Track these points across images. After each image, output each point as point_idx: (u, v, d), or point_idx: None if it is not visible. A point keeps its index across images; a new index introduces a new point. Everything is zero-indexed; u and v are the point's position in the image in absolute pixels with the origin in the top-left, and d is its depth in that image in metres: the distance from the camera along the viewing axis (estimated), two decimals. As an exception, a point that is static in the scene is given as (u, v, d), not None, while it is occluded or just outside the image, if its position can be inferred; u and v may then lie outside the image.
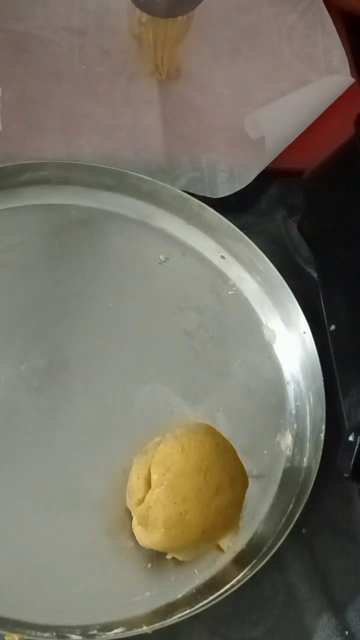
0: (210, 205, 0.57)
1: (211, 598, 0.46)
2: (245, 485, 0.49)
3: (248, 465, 0.49)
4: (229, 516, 0.47)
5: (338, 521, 0.52)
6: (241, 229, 0.57)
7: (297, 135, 0.62)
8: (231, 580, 0.47)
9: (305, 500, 0.49)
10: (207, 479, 0.46)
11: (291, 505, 0.50)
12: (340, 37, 0.68)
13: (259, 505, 0.50)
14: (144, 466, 0.47)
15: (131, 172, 0.56)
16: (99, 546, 0.47)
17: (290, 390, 0.55)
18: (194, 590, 0.47)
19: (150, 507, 0.45)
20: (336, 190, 0.57)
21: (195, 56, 0.65)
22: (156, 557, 0.47)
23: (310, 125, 0.63)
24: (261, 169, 0.60)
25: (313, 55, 0.67)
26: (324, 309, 0.54)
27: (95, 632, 0.44)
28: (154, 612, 0.46)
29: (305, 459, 0.52)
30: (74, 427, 0.50)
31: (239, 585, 0.46)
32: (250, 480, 0.49)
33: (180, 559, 0.47)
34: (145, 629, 0.44)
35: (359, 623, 0.49)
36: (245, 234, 0.56)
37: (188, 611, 0.45)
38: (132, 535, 0.47)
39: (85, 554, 0.47)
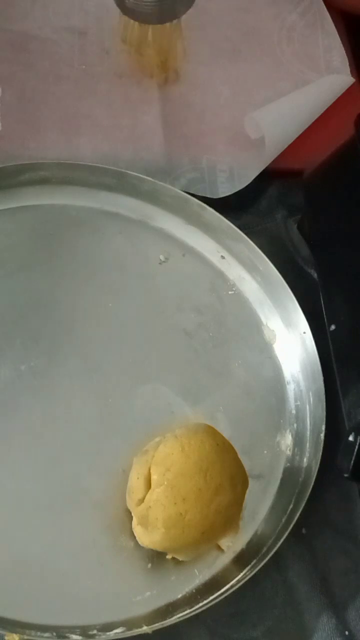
0: (210, 205, 0.57)
1: (211, 598, 0.46)
2: (245, 485, 0.49)
3: (248, 465, 0.49)
4: (229, 516, 0.47)
5: (338, 521, 0.52)
6: (241, 229, 0.57)
7: (297, 135, 0.62)
8: (231, 580, 0.47)
9: (305, 500, 0.49)
10: (207, 479, 0.46)
11: (291, 505, 0.50)
12: (340, 37, 0.68)
13: (259, 505, 0.50)
14: (144, 466, 0.47)
15: (131, 172, 0.56)
16: (99, 546, 0.47)
17: (290, 390, 0.55)
18: (194, 590, 0.47)
19: (150, 507, 0.45)
20: (336, 190, 0.57)
21: (195, 56, 0.65)
22: (156, 557, 0.47)
23: (310, 125, 0.63)
24: (261, 169, 0.60)
25: (313, 55, 0.67)
26: (324, 309, 0.54)
27: (95, 632, 0.44)
28: (154, 612, 0.46)
29: (305, 459, 0.52)
30: (74, 427, 0.50)
31: (239, 585, 0.46)
32: (250, 480, 0.49)
33: (180, 559, 0.47)
34: (145, 629, 0.44)
35: (359, 623, 0.49)
36: (245, 234, 0.56)
37: (188, 611, 0.45)
38: (132, 535, 0.47)
39: (85, 554, 0.47)
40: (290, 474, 0.52)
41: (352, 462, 0.46)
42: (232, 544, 0.48)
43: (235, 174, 0.61)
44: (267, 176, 0.61)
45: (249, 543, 0.49)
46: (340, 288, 0.54)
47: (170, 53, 0.62)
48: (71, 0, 0.65)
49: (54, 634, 0.43)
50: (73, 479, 0.48)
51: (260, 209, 0.62)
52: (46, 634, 0.43)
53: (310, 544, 0.51)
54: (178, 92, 0.64)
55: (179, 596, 0.47)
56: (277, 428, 0.53)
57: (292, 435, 0.53)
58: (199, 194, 0.58)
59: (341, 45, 0.67)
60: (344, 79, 0.65)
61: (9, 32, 0.63)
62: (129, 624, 0.45)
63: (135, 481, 0.47)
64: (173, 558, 0.47)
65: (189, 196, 0.57)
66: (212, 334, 0.55)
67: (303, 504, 0.49)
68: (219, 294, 0.57)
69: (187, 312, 0.55)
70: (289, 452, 0.53)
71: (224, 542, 0.48)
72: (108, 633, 0.44)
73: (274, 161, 0.61)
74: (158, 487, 0.46)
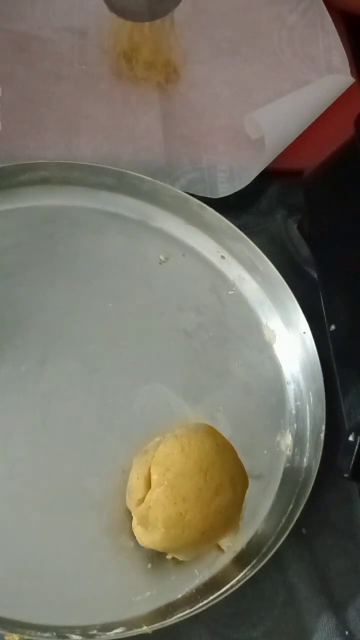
0: (210, 205, 0.57)
1: (211, 598, 0.46)
2: (245, 485, 0.49)
3: (248, 465, 0.49)
4: (229, 516, 0.47)
5: (338, 521, 0.52)
6: (241, 229, 0.57)
7: (297, 135, 0.62)
8: (231, 580, 0.47)
9: (305, 500, 0.49)
10: (207, 479, 0.46)
11: (291, 505, 0.50)
12: (340, 37, 0.68)
13: (259, 505, 0.50)
14: (144, 466, 0.47)
15: (131, 172, 0.56)
16: (99, 546, 0.47)
17: (290, 390, 0.55)
18: (194, 590, 0.47)
19: (150, 507, 0.45)
20: (336, 190, 0.57)
21: (195, 56, 0.65)
22: (156, 557, 0.47)
23: (310, 125, 0.63)
24: (261, 169, 0.60)
25: (313, 55, 0.67)
26: (324, 309, 0.54)
27: (95, 632, 0.44)
28: (154, 612, 0.46)
29: (305, 459, 0.52)
30: (74, 427, 0.50)
31: (239, 585, 0.46)
32: (250, 480, 0.49)
33: (180, 559, 0.47)
34: (145, 629, 0.44)
35: (359, 623, 0.49)
36: (245, 234, 0.56)
37: (188, 611, 0.45)
38: (132, 535, 0.47)
39: (85, 554, 0.47)
40: (290, 474, 0.52)
41: (352, 462, 0.46)
42: (232, 544, 0.48)
43: (235, 174, 0.61)
44: (267, 176, 0.61)
45: (249, 543, 0.49)
46: (340, 288, 0.54)
47: (168, 52, 0.62)
48: (71, 0, 0.65)
49: (54, 634, 0.43)
50: (73, 479, 0.48)
51: (260, 209, 0.62)
52: (46, 634, 0.43)
53: (310, 544, 0.51)
54: (178, 92, 0.64)
55: (179, 596, 0.47)
56: (277, 428, 0.53)
57: (292, 435, 0.53)
58: (199, 194, 0.58)
59: (341, 45, 0.67)
60: (344, 79, 0.65)
61: (9, 32, 0.63)
62: (129, 624, 0.45)
63: (135, 481, 0.47)
64: (173, 558, 0.47)
65: (189, 196, 0.57)
66: (212, 334, 0.55)
67: (303, 504, 0.49)
68: (219, 294, 0.57)
69: (187, 312, 0.55)
70: (289, 452, 0.53)
71: (224, 542, 0.48)
72: (108, 633, 0.44)
73: (274, 161, 0.61)
74: (158, 487, 0.46)
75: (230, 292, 0.57)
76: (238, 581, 0.46)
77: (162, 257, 0.57)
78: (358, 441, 0.46)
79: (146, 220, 0.58)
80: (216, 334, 0.55)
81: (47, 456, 0.49)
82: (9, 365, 0.51)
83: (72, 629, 0.44)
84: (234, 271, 0.58)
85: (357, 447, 0.46)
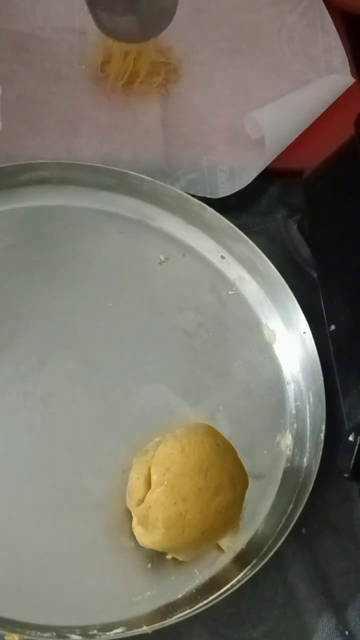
0: (210, 205, 0.57)
1: (211, 598, 0.46)
2: (245, 485, 0.49)
3: (248, 465, 0.49)
4: (229, 516, 0.47)
5: (338, 521, 0.52)
6: (241, 229, 0.57)
7: (297, 135, 0.63)
8: (231, 580, 0.47)
9: (305, 500, 0.49)
10: (207, 479, 0.46)
11: (291, 505, 0.50)
12: (340, 37, 0.68)
13: (259, 505, 0.50)
14: (144, 466, 0.47)
15: (131, 172, 0.56)
16: (99, 546, 0.47)
17: (290, 390, 0.55)
18: (194, 590, 0.47)
19: (150, 507, 0.45)
20: (336, 190, 0.57)
21: (195, 56, 0.65)
22: (156, 557, 0.47)
23: (310, 125, 0.63)
24: (261, 169, 0.60)
25: (313, 55, 0.67)
26: (324, 309, 0.54)
27: (95, 632, 0.44)
28: (154, 612, 0.46)
29: (305, 459, 0.52)
30: (74, 427, 0.50)
31: (239, 585, 0.46)
32: (250, 480, 0.49)
33: (180, 559, 0.47)
34: (145, 629, 0.44)
35: (359, 623, 0.49)
36: (245, 234, 0.56)
37: (188, 611, 0.45)
38: (132, 535, 0.47)
39: (85, 554, 0.47)
40: (290, 474, 0.52)
41: (352, 462, 0.46)
42: (232, 544, 0.48)
43: (236, 174, 0.61)
44: (267, 176, 0.61)
45: (249, 543, 0.49)
46: (340, 288, 0.54)
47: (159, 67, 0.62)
48: (71, 0, 0.65)
49: (54, 634, 0.43)
50: (73, 479, 0.48)
51: (260, 209, 0.62)
52: (46, 634, 0.43)
53: (310, 544, 0.51)
54: (178, 93, 0.64)
55: (179, 596, 0.47)
56: (277, 428, 0.53)
57: (292, 435, 0.53)
58: (199, 194, 0.58)
59: (341, 45, 0.67)
60: (344, 79, 0.66)
61: (9, 32, 0.63)
62: (129, 624, 0.45)
63: (135, 481, 0.47)
64: (173, 558, 0.47)
65: (189, 196, 0.57)
66: (212, 334, 0.55)
67: (303, 504, 0.49)
68: (219, 294, 0.57)
69: (187, 312, 0.55)
70: (289, 452, 0.53)
71: (224, 542, 0.48)
72: (108, 633, 0.44)
73: (274, 161, 0.61)
74: (158, 487, 0.45)
75: (230, 292, 0.57)
76: (238, 581, 0.46)
77: (162, 257, 0.57)
78: (358, 441, 0.46)
79: (146, 220, 0.58)
80: (216, 334, 0.55)
81: (47, 456, 0.49)
82: (9, 365, 0.51)
83: (72, 629, 0.44)
84: (234, 271, 0.58)
85: (357, 447, 0.46)
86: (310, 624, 0.49)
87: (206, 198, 0.58)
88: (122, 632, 0.44)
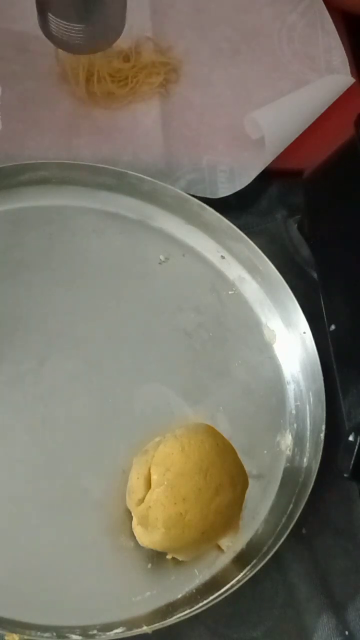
0: (210, 205, 0.57)
1: (211, 598, 0.46)
2: (245, 485, 0.49)
3: (248, 465, 0.49)
4: (229, 516, 0.47)
5: (338, 521, 0.52)
6: (241, 229, 0.57)
7: (297, 135, 0.62)
8: (231, 580, 0.47)
9: (305, 500, 0.49)
10: (207, 479, 0.46)
11: (291, 505, 0.50)
12: (340, 37, 0.68)
13: (259, 505, 0.50)
14: (144, 466, 0.47)
15: (131, 172, 0.56)
16: (99, 546, 0.47)
17: (290, 390, 0.55)
18: (194, 590, 0.47)
19: (150, 507, 0.45)
20: (336, 190, 0.57)
21: (195, 56, 0.65)
22: (156, 557, 0.47)
23: (310, 125, 0.63)
24: (261, 169, 0.60)
25: (313, 55, 0.67)
26: (324, 309, 0.54)
27: (95, 632, 0.44)
28: (154, 612, 0.46)
29: (305, 459, 0.52)
30: (74, 427, 0.50)
31: (239, 585, 0.46)
32: (250, 480, 0.49)
33: (180, 559, 0.47)
34: (145, 629, 0.44)
35: (359, 623, 0.49)
36: (245, 234, 0.56)
37: (188, 611, 0.45)
38: (132, 535, 0.47)
39: (85, 554, 0.47)
40: (290, 474, 0.52)
41: (352, 462, 0.46)
42: (232, 544, 0.48)
43: (236, 174, 0.61)
44: (267, 176, 0.61)
45: (249, 543, 0.49)
46: (340, 288, 0.54)
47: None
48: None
49: (54, 634, 0.43)
50: (73, 479, 0.48)
51: (260, 209, 0.62)
52: (46, 634, 0.43)
53: (310, 544, 0.51)
54: (178, 93, 0.64)
55: (179, 596, 0.47)
56: (277, 428, 0.53)
57: (292, 435, 0.53)
58: (199, 195, 0.58)
59: (341, 45, 0.67)
60: (344, 79, 0.66)
61: (9, 32, 0.63)
62: (129, 624, 0.45)
63: (135, 481, 0.47)
64: (173, 558, 0.47)
65: (189, 196, 0.57)
66: (212, 334, 0.55)
67: (303, 504, 0.49)
68: (219, 294, 0.57)
69: (187, 312, 0.55)
70: (289, 452, 0.53)
71: (224, 542, 0.48)
72: (108, 633, 0.44)
73: (274, 161, 0.61)
74: (158, 487, 0.45)
75: (230, 292, 0.57)
76: (238, 581, 0.46)
77: (162, 257, 0.57)
78: (358, 441, 0.46)
79: (146, 220, 0.58)
80: (216, 334, 0.55)
81: (47, 456, 0.49)
82: (9, 365, 0.51)
83: (72, 629, 0.44)
84: (234, 271, 0.58)
85: (357, 447, 0.46)
86: (310, 624, 0.49)
87: (206, 198, 0.58)
88: (122, 632, 0.44)
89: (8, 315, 0.52)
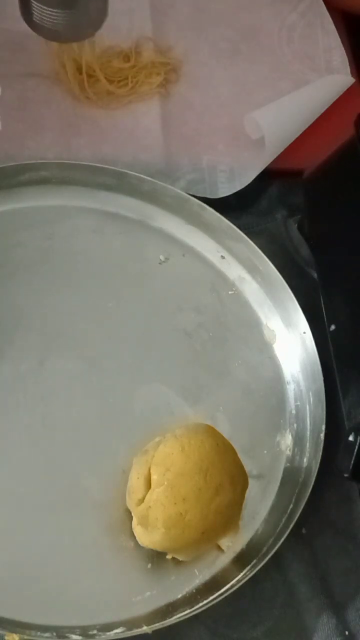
0: (210, 205, 0.57)
1: (211, 598, 0.46)
2: (245, 485, 0.49)
3: (248, 465, 0.49)
4: (229, 516, 0.47)
5: (338, 521, 0.52)
6: (241, 229, 0.57)
7: (297, 135, 0.63)
8: (231, 580, 0.47)
9: (305, 500, 0.49)
10: (207, 479, 0.46)
11: (291, 505, 0.50)
12: (340, 37, 0.68)
13: (259, 505, 0.50)
14: (144, 466, 0.47)
15: (131, 172, 0.56)
16: (99, 546, 0.47)
17: (290, 390, 0.55)
18: (194, 590, 0.47)
19: (150, 507, 0.45)
20: (336, 190, 0.57)
21: (195, 56, 0.65)
22: (156, 557, 0.47)
23: (310, 125, 0.63)
24: (261, 169, 0.60)
25: (313, 55, 0.67)
26: (324, 309, 0.54)
27: (95, 632, 0.44)
28: (154, 612, 0.46)
29: (305, 459, 0.52)
30: (74, 427, 0.50)
31: (239, 585, 0.46)
32: (250, 480, 0.49)
33: (180, 559, 0.47)
34: (145, 629, 0.44)
35: (359, 623, 0.49)
36: (245, 234, 0.56)
37: (188, 611, 0.45)
38: (132, 535, 0.47)
39: (85, 554, 0.47)
40: (290, 474, 0.52)
41: (352, 462, 0.46)
42: (232, 544, 0.48)
43: (236, 174, 0.61)
44: (267, 176, 0.61)
45: (249, 543, 0.49)
46: (340, 288, 0.54)
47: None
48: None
49: (54, 634, 0.43)
50: (73, 479, 0.48)
51: (260, 209, 0.62)
52: (46, 634, 0.43)
53: (310, 544, 0.51)
54: (178, 93, 0.64)
55: (179, 596, 0.47)
56: (277, 428, 0.53)
57: (292, 435, 0.53)
58: (199, 195, 0.58)
59: (341, 45, 0.67)
60: (344, 79, 0.66)
61: (9, 32, 0.63)
62: (129, 624, 0.45)
63: (135, 481, 0.47)
64: (173, 558, 0.47)
65: (189, 196, 0.57)
66: (212, 334, 0.55)
67: (303, 504, 0.49)
68: (219, 294, 0.57)
69: (187, 312, 0.55)
70: (289, 452, 0.53)
71: (224, 542, 0.48)
72: (108, 633, 0.44)
73: (274, 161, 0.61)
74: (158, 487, 0.45)
75: (230, 292, 0.57)
76: (238, 581, 0.46)
77: (162, 257, 0.57)
78: (358, 441, 0.46)
79: (146, 220, 0.58)
80: (216, 334, 0.55)
81: (47, 456, 0.49)
82: (9, 365, 0.51)
83: (72, 629, 0.44)
84: (234, 271, 0.58)
85: (357, 447, 0.46)
86: (310, 624, 0.49)
87: (206, 198, 0.58)
88: (122, 632, 0.44)
89: (8, 315, 0.52)
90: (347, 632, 0.49)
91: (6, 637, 0.42)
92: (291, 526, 0.48)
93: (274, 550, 0.47)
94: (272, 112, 0.62)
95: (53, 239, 0.55)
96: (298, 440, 0.53)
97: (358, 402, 0.49)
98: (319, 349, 0.54)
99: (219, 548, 0.48)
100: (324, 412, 0.52)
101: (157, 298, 0.55)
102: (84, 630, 0.44)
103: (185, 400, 0.52)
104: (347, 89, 0.65)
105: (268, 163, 0.61)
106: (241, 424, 0.52)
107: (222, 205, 0.58)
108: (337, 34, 0.68)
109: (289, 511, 0.49)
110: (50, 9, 0.49)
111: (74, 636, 0.43)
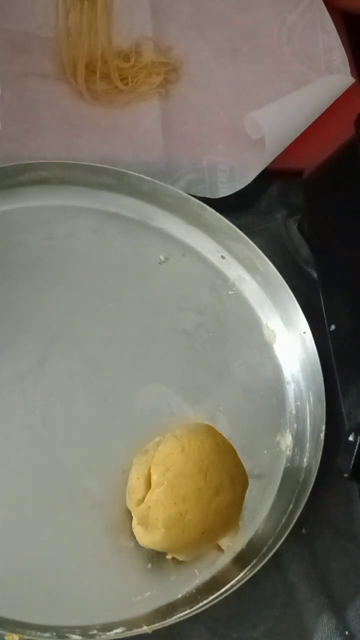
0: (210, 205, 0.57)
1: (211, 598, 0.46)
2: (245, 485, 0.49)
3: (248, 465, 0.49)
4: (229, 516, 0.47)
5: (338, 521, 0.52)
6: (241, 229, 0.57)
7: (297, 135, 0.62)
8: (231, 580, 0.47)
9: (305, 500, 0.49)
10: (207, 479, 0.46)
11: (291, 505, 0.50)
12: (340, 37, 0.68)
13: (259, 505, 0.51)
14: (144, 466, 0.47)
15: (131, 172, 0.56)
16: (99, 546, 0.47)
17: (290, 390, 0.55)
18: (194, 590, 0.47)
19: (150, 507, 0.45)
20: (336, 190, 0.57)
21: (195, 56, 0.65)
22: (156, 557, 0.47)
23: (310, 125, 0.63)
24: (261, 169, 0.60)
25: (313, 55, 0.67)
26: (324, 309, 0.54)
27: (95, 632, 0.44)
28: (154, 612, 0.46)
29: (305, 459, 0.52)
30: (74, 427, 0.50)
31: (239, 585, 0.46)
32: (250, 480, 0.49)
33: (180, 559, 0.47)
34: (145, 629, 0.44)
35: (359, 623, 0.49)
36: (245, 234, 0.56)
37: (188, 611, 0.45)
38: (132, 535, 0.47)
39: (85, 554, 0.47)
40: (290, 474, 0.52)
41: (352, 462, 0.46)
42: (232, 544, 0.48)
43: (236, 174, 0.61)
44: (267, 176, 0.61)
45: (249, 543, 0.49)
46: (340, 288, 0.54)
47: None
48: (71, 0, 0.65)
49: (54, 634, 0.43)
50: (73, 479, 0.48)
51: (260, 209, 0.62)
52: (46, 634, 0.43)
53: (310, 544, 0.51)
54: (178, 92, 0.64)
55: (179, 596, 0.47)
56: (277, 428, 0.53)
57: (292, 435, 0.53)
58: (199, 195, 0.58)
59: (341, 45, 0.67)
60: (344, 79, 0.66)
61: (9, 32, 0.63)
62: (129, 624, 0.45)
63: (135, 481, 0.47)
64: (173, 558, 0.47)
65: (189, 196, 0.57)
66: (212, 334, 0.55)
67: (303, 504, 0.49)
68: (219, 294, 0.57)
69: (187, 312, 0.55)
70: (289, 452, 0.53)
71: (224, 542, 0.48)
72: (108, 633, 0.44)
73: (274, 161, 0.61)
74: (158, 487, 0.46)
75: (230, 292, 0.57)
76: (238, 581, 0.46)
77: (162, 257, 0.57)
78: (358, 441, 0.46)
79: (146, 220, 0.58)
80: (216, 334, 0.55)
81: (47, 456, 0.49)
82: (9, 366, 0.51)
83: (72, 629, 0.44)
84: (234, 271, 0.58)
85: (357, 447, 0.46)
86: (310, 624, 0.49)
87: (206, 198, 0.58)
88: (122, 632, 0.44)
89: (8, 315, 0.52)
90: (347, 632, 0.49)
91: (6, 637, 0.42)
92: (291, 526, 0.48)
93: (274, 550, 0.47)
94: (272, 112, 0.62)
95: (53, 239, 0.55)
96: (298, 440, 0.53)
97: (358, 402, 0.49)
98: (319, 349, 0.54)
99: (219, 548, 0.48)
100: (324, 412, 0.52)
101: (157, 298, 0.55)
102: (84, 630, 0.44)
103: (185, 400, 0.52)
104: (347, 89, 0.65)
105: (268, 163, 0.61)
106: (241, 424, 0.52)
107: (222, 205, 0.58)
108: (337, 34, 0.68)
109: (289, 511, 0.49)
110: None
111: (74, 636, 0.44)
